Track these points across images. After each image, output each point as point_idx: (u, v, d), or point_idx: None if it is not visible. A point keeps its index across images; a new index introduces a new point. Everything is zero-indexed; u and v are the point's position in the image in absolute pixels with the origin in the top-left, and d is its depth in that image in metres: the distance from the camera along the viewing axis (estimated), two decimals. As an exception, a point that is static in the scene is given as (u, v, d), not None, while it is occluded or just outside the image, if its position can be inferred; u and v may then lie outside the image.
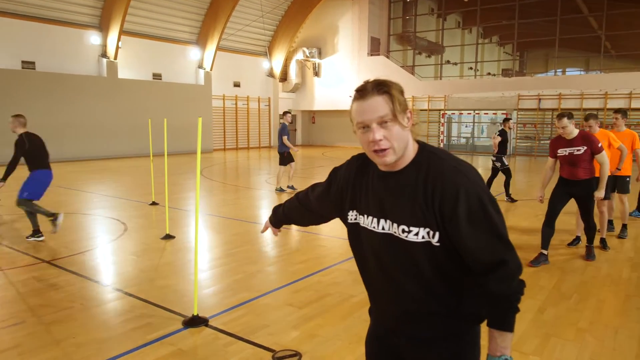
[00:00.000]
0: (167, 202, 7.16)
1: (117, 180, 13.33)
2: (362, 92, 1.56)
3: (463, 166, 1.58)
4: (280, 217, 2.25)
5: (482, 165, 18.40)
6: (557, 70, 27.21)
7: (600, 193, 5.34)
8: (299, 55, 27.57)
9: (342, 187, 1.82)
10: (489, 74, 29.43)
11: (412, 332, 1.73)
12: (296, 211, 2.16)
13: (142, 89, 20.82)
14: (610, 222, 7.10)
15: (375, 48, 26.23)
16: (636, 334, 3.79)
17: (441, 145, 23.76)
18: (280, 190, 11.21)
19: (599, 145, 5.22)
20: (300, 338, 3.72)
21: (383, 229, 1.66)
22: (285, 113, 11.38)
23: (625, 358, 3.43)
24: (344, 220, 1.83)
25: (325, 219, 2.07)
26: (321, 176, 14.40)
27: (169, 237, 6.80)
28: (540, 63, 31.74)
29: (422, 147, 1.65)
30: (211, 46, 23.17)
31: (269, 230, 2.33)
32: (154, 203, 9.42)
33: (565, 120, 5.21)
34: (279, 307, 4.35)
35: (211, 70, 23.70)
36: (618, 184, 6.66)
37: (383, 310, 1.82)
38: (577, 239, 6.37)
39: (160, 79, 22.02)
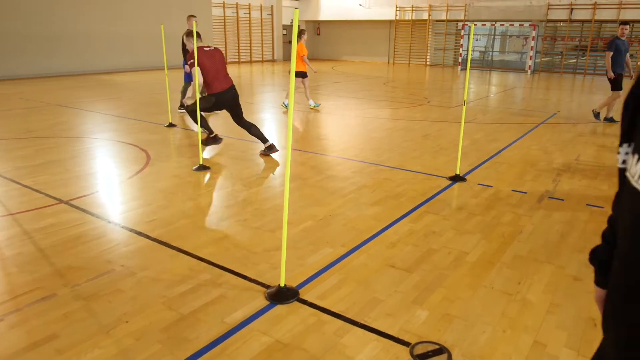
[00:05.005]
0: (199, 123, 5.96)
1: (121, 98, 11.96)
2: None
3: None
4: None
5: (497, 83, 17.12)
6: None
7: None
8: (305, -42, 25.05)
9: None
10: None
11: None
12: None
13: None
14: None
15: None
16: None
17: (459, 61, 22.17)
18: (604, 119, 8.99)
19: None
20: (433, 322, 2.77)
21: None
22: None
23: None
24: None
25: None
26: (340, 92, 13.03)
27: (203, 168, 5.75)
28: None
29: None
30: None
31: None
32: (171, 125, 8.25)
33: None
34: (379, 269, 3.38)
35: (209, -27, 21.38)
36: None
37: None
38: None
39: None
